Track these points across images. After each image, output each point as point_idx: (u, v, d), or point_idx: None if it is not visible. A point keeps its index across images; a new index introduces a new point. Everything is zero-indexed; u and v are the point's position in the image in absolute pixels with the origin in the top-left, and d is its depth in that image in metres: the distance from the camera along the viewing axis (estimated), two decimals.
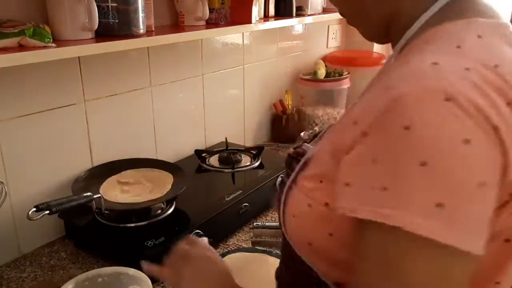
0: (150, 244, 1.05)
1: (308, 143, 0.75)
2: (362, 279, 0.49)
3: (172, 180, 1.23)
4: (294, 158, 0.64)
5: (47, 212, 0.96)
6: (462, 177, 0.43)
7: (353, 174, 0.50)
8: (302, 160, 0.60)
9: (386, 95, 0.47)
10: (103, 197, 1.09)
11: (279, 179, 1.39)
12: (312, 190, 0.57)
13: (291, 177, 0.61)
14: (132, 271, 0.90)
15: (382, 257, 0.46)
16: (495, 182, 0.45)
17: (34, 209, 0.96)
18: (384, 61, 2.26)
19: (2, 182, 1.05)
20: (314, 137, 0.78)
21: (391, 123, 0.45)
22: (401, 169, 0.44)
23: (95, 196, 1.06)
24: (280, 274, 0.74)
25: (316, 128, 1.78)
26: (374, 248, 0.47)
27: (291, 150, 0.69)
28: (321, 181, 0.56)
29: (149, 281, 0.88)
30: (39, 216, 0.95)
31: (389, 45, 0.68)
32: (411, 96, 0.45)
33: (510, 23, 0.56)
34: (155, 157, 1.45)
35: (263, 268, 1.08)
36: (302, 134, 0.87)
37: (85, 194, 1.05)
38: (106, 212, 1.11)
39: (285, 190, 0.61)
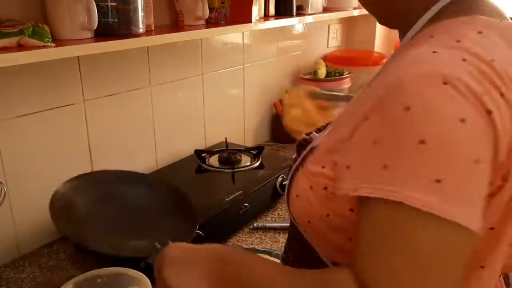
0: None
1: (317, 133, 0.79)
2: (365, 254, 0.50)
3: None
4: (302, 145, 0.69)
5: None
6: (459, 154, 0.46)
7: (354, 156, 0.53)
8: (308, 147, 0.65)
9: (386, 81, 0.50)
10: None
11: (280, 179, 1.38)
12: (315, 174, 0.61)
13: (297, 161, 0.66)
14: (131, 271, 0.90)
15: (386, 232, 0.48)
16: (489, 161, 0.48)
17: None
18: (385, 60, 2.24)
19: (1, 183, 1.04)
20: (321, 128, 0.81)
21: (391, 105, 0.48)
22: (401, 148, 0.47)
23: None
24: (285, 257, 0.78)
25: None
26: (378, 224, 0.49)
27: (302, 137, 0.74)
28: (323, 167, 0.59)
29: (149, 282, 0.87)
30: None
31: (390, 45, 0.70)
32: (411, 80, 0.48)
33: None
34: (154, 157, 1.45)
35: None
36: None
37: None
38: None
39: (291, 172, 0.67)
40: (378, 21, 0.69)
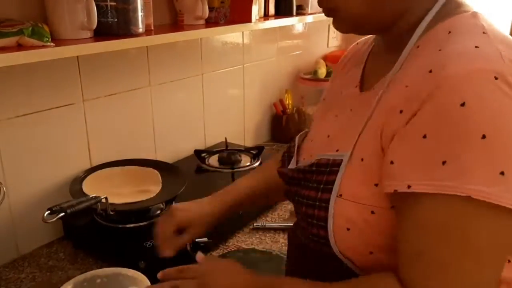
0: (149, 245, 1.04)
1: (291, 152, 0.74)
2: (414, 249, 0.51)
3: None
4: (314, 171, 0.62)
5: (62, 214, 0.95)
6: None
7: (398, 152, 0.52)
8: (342, 169, 0.58)
9: (435, 77, 0.50)
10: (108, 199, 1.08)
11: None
12: (367, 196, 0.56)
13: (335, 190, 0.58)
14: (131, 272, 0.90)
15: (443, 226, 0.49)
16: None
17: (48, 211, 0.94)
18: None
19: (1, 183, 1.04)
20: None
21: (444, 101, 0.48)
22: (461, 142, 0.47)
23: (102, 197, 1.05)
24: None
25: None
26: (433, 219, 0.49)
27: (302, 165, 0.67)
28: (376, 184, 0.55)
29: (148, 282, 0.87)
30: (54, 219, 0.94)
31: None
32: (463, 75, 0.48)
33: None
34: (154, 157, 1.45)
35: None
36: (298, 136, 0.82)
37: (92, 196, 1.04)
38: (112, 213, 1.09)
39: (331, 205, 0.58)
40: (362, 31, 0.65)
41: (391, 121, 0.54)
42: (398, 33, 0.62)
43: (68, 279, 0.89)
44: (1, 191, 1.03)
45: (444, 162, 0.48)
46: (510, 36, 0.56)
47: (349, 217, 0.57)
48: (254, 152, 1.54)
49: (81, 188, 1.15)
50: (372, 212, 0.56)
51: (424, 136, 0.49)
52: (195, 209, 0.88)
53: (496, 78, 0.48)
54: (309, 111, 1.99)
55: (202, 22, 1.34)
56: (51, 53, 0.93)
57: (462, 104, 0.47)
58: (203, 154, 1.53)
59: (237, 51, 1.70)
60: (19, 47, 0.92)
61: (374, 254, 0.57)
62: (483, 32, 0.53)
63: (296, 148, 0.76)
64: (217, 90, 1.65)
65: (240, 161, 1.49)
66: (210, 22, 1.39)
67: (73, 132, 1.21)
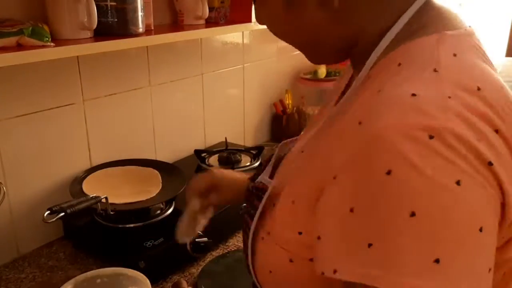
0: (149, 245, 1.04)
1: (263, 170, 0.65)
2: None
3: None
4: (254, 194, 0.56)
5: (62, 214, 0.95)
6: (460, 225, 0.38)
7: (326, 225, 0.43)
8: (264, 199, 0.53)
9: (362, 132, 0.41)
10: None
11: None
12: (290, 241, 0.49)
13: (255, 222, 0.53)
14: (131, 272, 0.90)
15: None
16: (494, 224, 0.41)
17: (48, 211, 0.94)
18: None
19: (1, 182, 1.04)
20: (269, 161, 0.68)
21: (369, 167, 0.40)
22: (388, 221, 0.38)
23: (102, 197, 1.05)
24: None
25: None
26: None
27: (251, 184, 0.61)
28: (300, 232, 0.46)
29: (148, 282, 0.87)
30: (54, 219, 0.94)
31: None
32: (391, 135, 0.39)
33: (473, 30, 0.50)
34: (154, 157, 1.45)
35: None
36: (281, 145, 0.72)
37: (92, 196, 1.04)
38: (112, 213, 1.09)
39: (250, 237, 0.53)
40: (319, 61, 0.59)
41: (314, 169, 0.47)
42: (358, 58, 0.54)
43: (68, 279, 0.89)
44: (1, 191, 1.03)
45: (370, 245, 0.39)
46: (479, 66, 0.45)
47: (270, 260, 0.51)
48: (254, 152, 1.54)
49: (81, 188, 1.15)
50: (291, 261, 0.49)
51: (351, 210, 0.40)
52: (230, 173, 0.88)
53: (431, 137, 0.38)
54: (309, 111, 1.98)
55: (202, 22, 1.34)
56: (51, 53, 0.93)
57: (388, 173, 0.38)
58: (203, 154, 1.53)
59: (237, 51, 1.70)
60: (19, 47, 0.91)
61: None
62: (434, 70, 0.43)
63: (274, 158, 0.66)
64: (217, 90, 1.65)
65: (240, 161, 1.48)
66: (210, 22, 1.39)
67: (73, 132, 1.21)
